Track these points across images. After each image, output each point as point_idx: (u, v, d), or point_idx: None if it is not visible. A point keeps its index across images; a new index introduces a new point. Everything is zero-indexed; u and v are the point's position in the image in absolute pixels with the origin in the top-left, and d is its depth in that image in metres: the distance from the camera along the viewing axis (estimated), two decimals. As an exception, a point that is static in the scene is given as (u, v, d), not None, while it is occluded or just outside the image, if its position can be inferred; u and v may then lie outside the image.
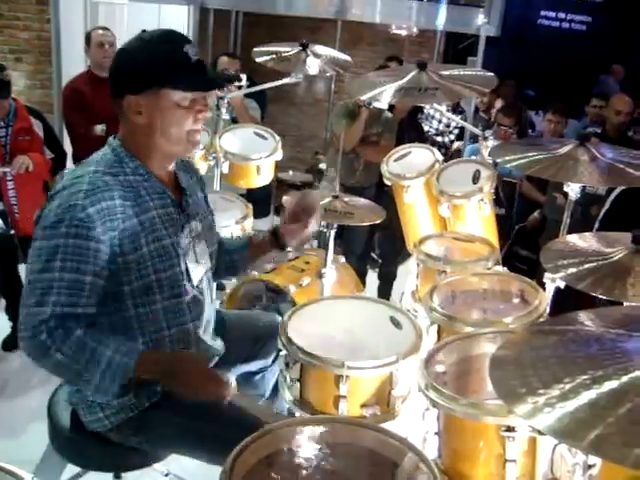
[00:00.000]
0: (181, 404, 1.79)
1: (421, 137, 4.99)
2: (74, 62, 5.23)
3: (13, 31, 5.47)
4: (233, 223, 2.88)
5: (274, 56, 3.22)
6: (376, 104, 3.43)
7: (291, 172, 5.46)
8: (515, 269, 2.62)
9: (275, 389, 2.32)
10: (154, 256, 1.76)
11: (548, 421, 1.04)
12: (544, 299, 2.04)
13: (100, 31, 4.31)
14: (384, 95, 2.65)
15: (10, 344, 4.07)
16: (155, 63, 1.70)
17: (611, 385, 1.07)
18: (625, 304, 1.68)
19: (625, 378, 1.06)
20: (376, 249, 5.00)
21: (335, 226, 2.55)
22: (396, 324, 2.13)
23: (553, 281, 2.04)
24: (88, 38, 4.31)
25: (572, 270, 1.78)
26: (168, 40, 1.76)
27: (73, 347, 1.65)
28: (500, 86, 5.78)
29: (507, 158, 2.17)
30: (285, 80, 3.19)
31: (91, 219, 1.66)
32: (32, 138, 3.75)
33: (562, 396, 1.08)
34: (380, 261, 4.76)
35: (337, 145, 4.24)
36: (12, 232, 3.70)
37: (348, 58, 3.43)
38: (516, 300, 2.13)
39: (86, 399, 1.86)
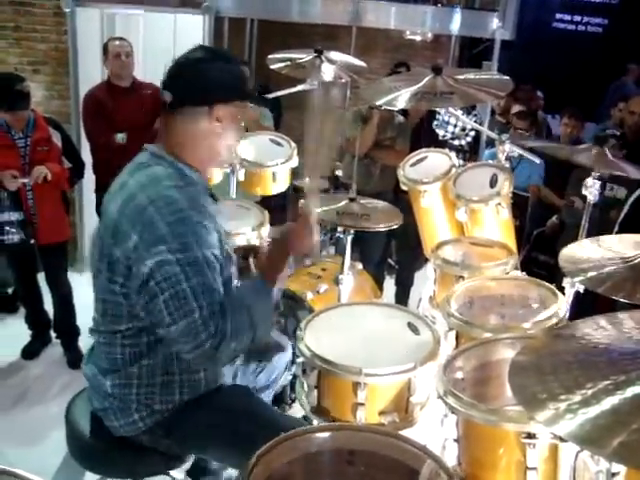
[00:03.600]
0: (214, 404, 1.91)
1: (436, 142, 4.98)
2: (91, 73, 5.27)
3: (31, 43, 5.51)
4: (249, 230, 2.87)
5: (289, 63, 3.23)
6: (386, 106, 3.42)
7: (307, 179, 5.44)
8: (534, 274, 2.60)
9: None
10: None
11: (570, 427, 1.03)
12: (563, 304, 2.02)
13: (117, 42, 4.34)
14: (399, 100, 2.65)
15: (29, 352, 4.11)
16: (239, 78, 1.91)
17: (634, 391, 1.06)
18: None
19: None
20: (393, 255, 4.99)
21: (352, 232, 2.55)
22: (414, 330, 2.12)
23: (572, 285, 2.02)
24: (105, 49, 4.34)
25: (592, 274, 1.76)
26: (233, 58, 2.03)
27: (233, 328, 1.71)
28: (517, 90, 5.76)
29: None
30: (300, 87, 3.19)
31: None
32: (50, 148, 3.79)
33: (584, 402, 1.07)
34: (397, 267, 4.74)
35: (351, 150, 4.26)
36: (32, 241, 3.74)
37: (363, 64, 3.43)
38: (535, 305, 2.11)
39: (121, 402, 1.90)
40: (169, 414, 1.91)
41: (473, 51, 7.10)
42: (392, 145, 4.14)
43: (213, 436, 1.92)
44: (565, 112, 5.11)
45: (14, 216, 3.65)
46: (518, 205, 4.43)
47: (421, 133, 4.47)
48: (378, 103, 2.73)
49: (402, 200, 3.30)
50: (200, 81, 1.85)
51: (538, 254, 4.64)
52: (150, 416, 1.90)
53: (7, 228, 3.64)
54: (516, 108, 5.29)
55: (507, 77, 2.81)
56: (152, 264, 1.68)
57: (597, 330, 1.37)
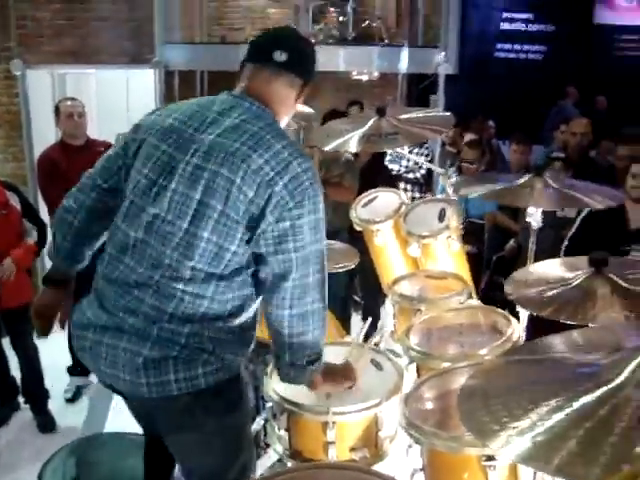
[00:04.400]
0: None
1: (391, 178, 5.12)
2: (45, 134, 5.32)
3: (-18, 107, 5.58)
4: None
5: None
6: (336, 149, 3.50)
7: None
8: (496, 299, 2.68)
9: None
10: None
11: (517, 449, 1.09)
12: (517, 328, 2.10)
13: (69, 102, 4.39)
14: (348, 143, 2.75)
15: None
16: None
17: (576, 405, 1.13)
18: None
19: (584, 399, 1.12)
20: (358, 292, 5.06)
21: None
22: (377, 366, 2.19)
23: (524, 308, 2.10)
24: (57, 110, 4.38)
25: (536, 298, 1.85)
26: None
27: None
28: (467, 121, 5.95)
29: (469, 190, 2.27)
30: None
31: None
32: (9, 212, 3.82)
33: (531, 422, 1.13)
34: (362, 303, 4.81)
35: None
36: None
37: (311, 110, 3.54)
38: (491, 332, 2.19)
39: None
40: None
41: (420, 86, 7.31)
42: (340, 182, 4.24)
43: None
44: (513, 139, 5.27)
45: None
46: (475, 232, 4.56)
47: (374, 170, 4.58)
48: (328, 148, 2.82)
49: (359, 238, 3.38)
50: (312, 58, 2.00)
51: (499, 278, 4.74)
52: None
53: None
54: (467, 137, 5.45)
55: (448, 113, 2.94)
56: (295, 218, 1.78)
57: (544, 352, 1.45)
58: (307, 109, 3.60)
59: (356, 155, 4.30)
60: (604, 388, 1.11)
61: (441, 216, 2.64)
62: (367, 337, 2.49)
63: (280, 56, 1.90)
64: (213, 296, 1.80)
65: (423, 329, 2.25)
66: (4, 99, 5.54)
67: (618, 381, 1.11)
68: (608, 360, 1.19)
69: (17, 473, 3.53)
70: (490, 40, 8.58)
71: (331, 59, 6.08)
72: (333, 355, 2.17)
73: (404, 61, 6.14)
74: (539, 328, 2.26)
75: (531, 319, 2.21)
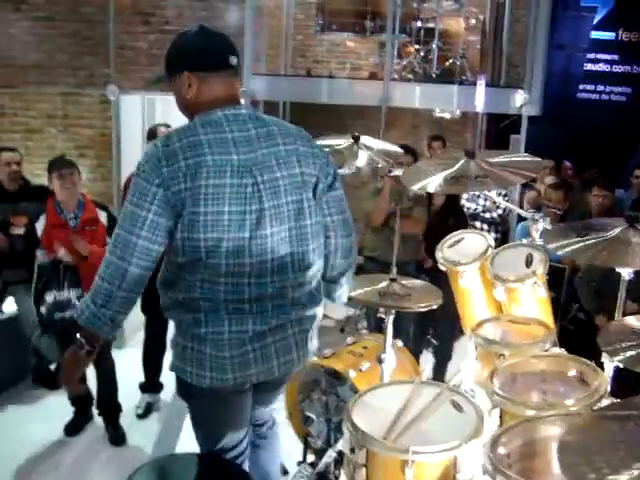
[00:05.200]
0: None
1: (464, 219, 5.09)
2: (132, 155, 5.55)
3: (78, 129, 5.85)
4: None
5: (326, 149, 3.37)
6: (397, 172, 3.52)
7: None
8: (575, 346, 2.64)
9: None
10: None
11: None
12: (604, 380, 2.06)
13: (163, 128, 4.57)
14: (434, 184, 2.77)
15: (72, 429, 4.20)
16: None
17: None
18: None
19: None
20: (430, 329, 5.03)
21: (393, 312, 2.64)
22: (458, 408, 2.18)
23: (611, 361, 2.07)
24: (153, 133, 4.53)
25: (630, 353, 1.82)
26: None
27: None
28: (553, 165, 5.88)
29: (559, 244, 2.25)
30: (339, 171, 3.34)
31: None
32: (97, 228, 4.01)
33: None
34: (435, 341, 4.78)
35: (370, 223, 4.40)
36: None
37: (398, 149, 3.57)
38: (576, 381, 2.16)
39: None
40: None
41: (500, 125, 7.29)
42: (410, 214, 4.27)
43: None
44: (594, 183, 5.19)
45: (73, 293, 3.82)
46: (554, 277, 4.48)
47: (450, 208, 4.59)
48: (415, 187, 2.85)
49: (439, 275, 3.37)
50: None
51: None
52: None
53: (70, 304, 3.81)
54: (549, 179, 5.38)
55: (538, 158, 2.93)
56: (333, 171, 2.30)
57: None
58: (394, 147, 3.64)
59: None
60: None
61: (528, 261, 2.63)
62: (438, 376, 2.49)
63: (233, 60, 2.14)
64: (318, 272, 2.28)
65: (507, 374, 2.24)
66: (98, 122, 5.82)
67: None
68: None
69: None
70: (574, 81, 8.49)
71: (411, 95, 6.14)
72: (402, 392, 2.20)
73: (485, 100, 6.13)
74: (625, 381, 2.22)
75: (617, 371, 2.17)
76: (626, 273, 2.29)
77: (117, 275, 2.04)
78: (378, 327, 4.41)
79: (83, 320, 2.12)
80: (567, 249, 2.21)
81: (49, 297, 3.77)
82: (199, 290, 2.09)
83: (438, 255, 2.93)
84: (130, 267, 2.03)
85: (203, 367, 2.14)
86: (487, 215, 5.60)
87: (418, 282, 2.90)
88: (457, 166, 2.80)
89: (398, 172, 3.28)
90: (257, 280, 2.10)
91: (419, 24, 7.20)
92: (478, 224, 5.42)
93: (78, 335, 2.16)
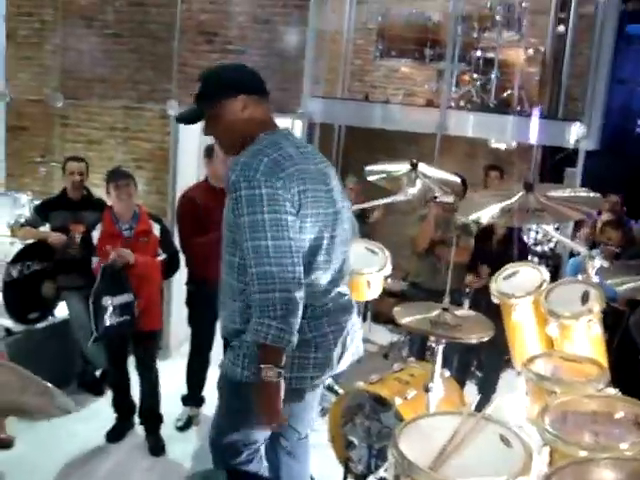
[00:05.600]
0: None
1: (525, 251, 5.03)
2: (187, 170, 5.65)
3: (138, 142, 5.99)
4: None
5: (384, 175, 3.40)
6: (443, 198, 3.52)
7: (389, 280, 5.56)
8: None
9: None
10: None
11: None
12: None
13: None
14: (491, 215, 2.76)
15: (114, 436, 4.25)
16: None
17: None
18: None
19: None
20: (474, 360, 4.97)
21: (444, 341, 2.62)
22: (506, 442, 2.14)
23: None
24: (210, 150, 4.58)
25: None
26: None
27: None
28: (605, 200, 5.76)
29: (617, 281, 2.21)
30: (395, 198, 3.35)
31: None
32: (149, 239, 4.09)
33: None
34: (479, 373, 4.71)
35: (414, 249, 4.39)
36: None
37: (456, 178, 3.55)
38: (629, 424, 2.11)
39: None
40: None
41: (555, 158, 7.19)
42: (456, 242, 4.24)
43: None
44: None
45: (125, 298, 3.90)
46: (610, 315, 4.36)
47: (510, 241, 4.54)
48: (470, 217, 2.84)
49: (489, 306, 3.34)
50: None
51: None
52: None
53: (120, 310, 3.89)
54: (605, 216, 5.27)
55: (597, 194, 2.89)
56: None
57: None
58: (453, 178, 3.62)
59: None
60: None
61: (584, 298, 2.59)
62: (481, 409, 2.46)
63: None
64: None
65: (558, 412, 2.20)
66: (157, 137, 5.94)
67: None
68: None
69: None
70: (633, 116, 8.34)
71: (466, 124, 6.11)
72: (449, 423, 2.19)
73: (541, 132, 6.06)
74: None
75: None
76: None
77: (287, 279, 2.07)
78: (421, 354, 4.39)
79: (270, 340, 2.07)
80: (626, 286, 2.17)
81: (105, 302, 3.84)
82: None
83: (492, 287, 2.91)
84: (295, 268, 2.09)
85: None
86: (538, 248, 5.53)
87: (469, 312, 2.87)
88: (514, 198, 2.78)
89: (446, 199, 3.28)
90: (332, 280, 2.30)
91: (478, 53, 7.16)
92: (529, 257, 5.34)
93: (262, 366, 2.12)
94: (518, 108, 6.94)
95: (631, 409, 2.17)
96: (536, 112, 6.58)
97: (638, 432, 2.01)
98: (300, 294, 2.09)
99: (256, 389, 2.14)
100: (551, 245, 5.52)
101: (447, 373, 3.10)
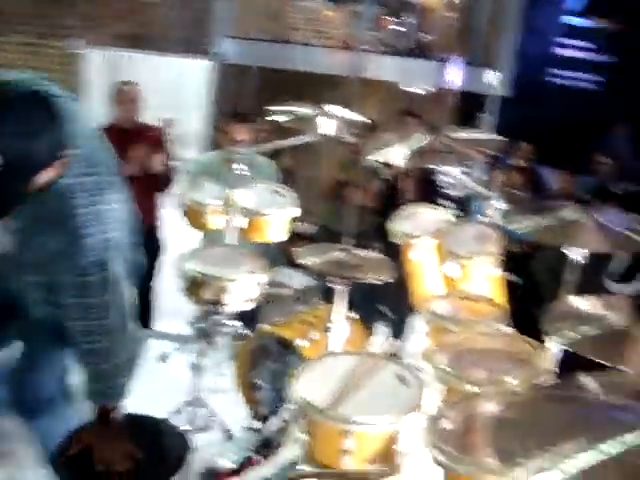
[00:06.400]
0: None
1: (434, 193, 5.08)
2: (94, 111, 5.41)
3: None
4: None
5: (292, 116, 3.31)
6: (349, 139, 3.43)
7: (304, 224, 5.52)
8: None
9: None
10: None
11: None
12: (550, 360, 2.08)
13: (125, 86, 4.44)
14: (398, 157, 2.74)
15: None
16: None
17: (606, 448, 1.12)
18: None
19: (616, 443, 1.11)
20: (383, 302, 5.02)
21: (344, 282, 2.61)
22: (403, 381, 2.18)
23: (553, 342, 2.07)
24: (115, 92, 4.40)
25: (573, 334, 1.83)
26: None
27: None
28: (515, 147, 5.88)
29: (515, 224, 2.25)
30: (301, 138, 3.29)
31: None
32: None
33: (558, 460, 1.13)
34: (389, 314, 4.77)
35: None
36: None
37: (366, 119, 3.50)
38: (522, 361, 2.16)
39: None
40: None
41: (468, 104, 7.25)
42: (362, 184, 4.26)
43: None
44: (559, 168, 5.24)
45: None
46: (514, 257, 4.48)
47: (423, 184, 4.57)
48: (378, 159, 2.82)
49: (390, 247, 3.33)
50: None
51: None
52: None
53: None
54: (514, 162, 5.37)
55: (499, 136, 2.92)
56: None
57: (577, 391, 1.43)
58: (362, 118, 3.56)
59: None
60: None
61: (481, 239, 2.63)
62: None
63: None
64: None
65: (454, 350, 2.24)
66: (61, 76, 5.63)
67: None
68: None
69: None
70: (546, 65, 8.48)
71: (383, 69, 6.08)
72: (348, 363, 2.20)
73: (458, 78, 6.10)
74: (572, 363, 2.24)
75: (565, 353, 2.19)
76: (576, 255, 2.29)
77: None
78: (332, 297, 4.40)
79: None
80: (524, 229, 2.21)
81: None
82: None
83: (389, 226, 2.91)
84: None
85: None
86: (452, 192, 5.58)
87: (371, 253, 2.86)
88: (421, 140, 2.77)
89: (352, 140, 3.24)
90: None
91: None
92: (440, 200, 5.39)
93: None
94: (436, 53, 6.94)
95: (524, 346, 2.23)
96: (453, 58, 6.60)
97: (528, 367, 2.07)
98: None
99: None
100: (466, 190, 5.57)
101: (353, 314, 3.12)
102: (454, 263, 2.61)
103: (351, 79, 5.93)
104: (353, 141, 3.30)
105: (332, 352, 2.61)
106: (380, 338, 4.28)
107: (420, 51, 6.91)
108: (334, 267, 2.64)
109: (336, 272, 2.61)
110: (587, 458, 1.12)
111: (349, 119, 3.40)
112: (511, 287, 3.95)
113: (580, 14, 8.65)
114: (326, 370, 2.24)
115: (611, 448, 1.13)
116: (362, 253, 2.80)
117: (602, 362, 1.70)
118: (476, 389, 2.00)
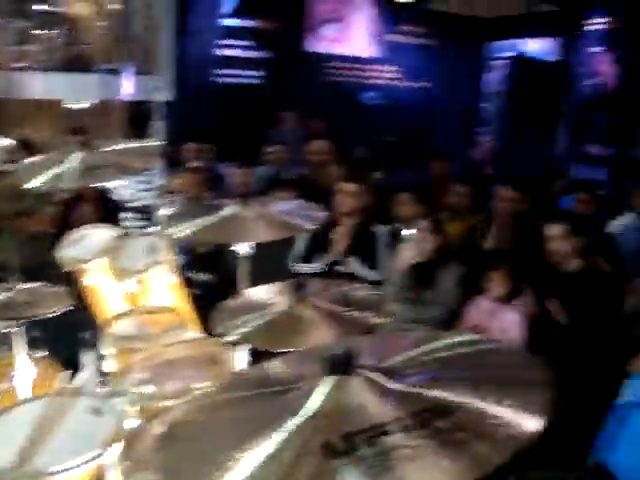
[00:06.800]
0: None
1: (115, 209, 4.94)
2: None
3: None
4: None
5: None
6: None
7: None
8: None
9: None
10: None
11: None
12: (231, 359, 2.13)
13: None
14: (61, 179, 2.56)
15: None
16: None
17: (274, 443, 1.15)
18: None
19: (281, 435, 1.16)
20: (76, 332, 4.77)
21: (20, 322, 2.41)
22: (97, 413, 2.07)
23: (228, 338, 2.12)
24: None
25: (245, 328, 1.90)
26: None
27: None
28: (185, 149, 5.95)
29: (180, 229, 2.26)
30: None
31: None
32: None
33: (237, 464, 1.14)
34: (93, 340, 4.55)
35: None
36: None
37: (11, 141, 3.25)
38: (208, 363, 2.20)
39: None
40: None
41: (139, 113, 7.17)
42: (33, 212, 4.01)
43: None
44: (234, 163, 5.44)
45: None
46: (204, 256, 4.50)
47: (99, 202, 4.39)
48: (30, 185, 2.59)
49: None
50: None
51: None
52: None
53: None
54: (190, 164, 5.41)
55: (157, 142, 2.91)
56: None
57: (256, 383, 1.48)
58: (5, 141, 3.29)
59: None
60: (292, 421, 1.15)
61: (153, 249, 2.60)
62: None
63: None
64: None
65: (144, 368, 2.19)
66: None
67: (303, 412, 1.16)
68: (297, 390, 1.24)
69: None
70: (209, 67, 8.73)
71: (40, 86, 5.72)
72: (35, 409, 2.04)
73: (130, 88, 5.98)
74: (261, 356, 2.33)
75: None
76: (242, 248, 2.38)
77: None
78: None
79: None
80: (186, 232, 2.22)
81: None
82: None
83: (57, 254, 2.75)
84: None
85: None
86: (136, 204, 5.48)
87: (41, 287, 2.65)
88: (76, 158, 2.62)
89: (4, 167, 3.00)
90: None
91: (42, 7, 6.69)
92: (125, 214, 5.27)
93: None
94: (97, 65, 6.73)
95: (208, 348, 2.27)
96: (124, 67, 6.47)
97: (215, 367, 2.10)
98: None
99: None
100: (142, 201, 5.49)
101: (40, 353, 2.89)
102: (129, 279, 2.54)
103: (4, 101, 5.47)
104: (5, 168, 3.04)
105: (16, 402, 2.39)
106: (88, 368, 4.08)
107: (81, 64, 6.63)
108: (3, 311, 2.41)
109: (3, 314, 2.38)
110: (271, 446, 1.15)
111: (-2, 145, 3.14)
112: (205, 286, 4.04)
113: (234, 15, 9.04)
114: (12, 423, 2.04)
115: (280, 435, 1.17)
116: (31, 287, 2.59)
117: (272, 349, 1.77)
118: (171, 402, 1.97)
